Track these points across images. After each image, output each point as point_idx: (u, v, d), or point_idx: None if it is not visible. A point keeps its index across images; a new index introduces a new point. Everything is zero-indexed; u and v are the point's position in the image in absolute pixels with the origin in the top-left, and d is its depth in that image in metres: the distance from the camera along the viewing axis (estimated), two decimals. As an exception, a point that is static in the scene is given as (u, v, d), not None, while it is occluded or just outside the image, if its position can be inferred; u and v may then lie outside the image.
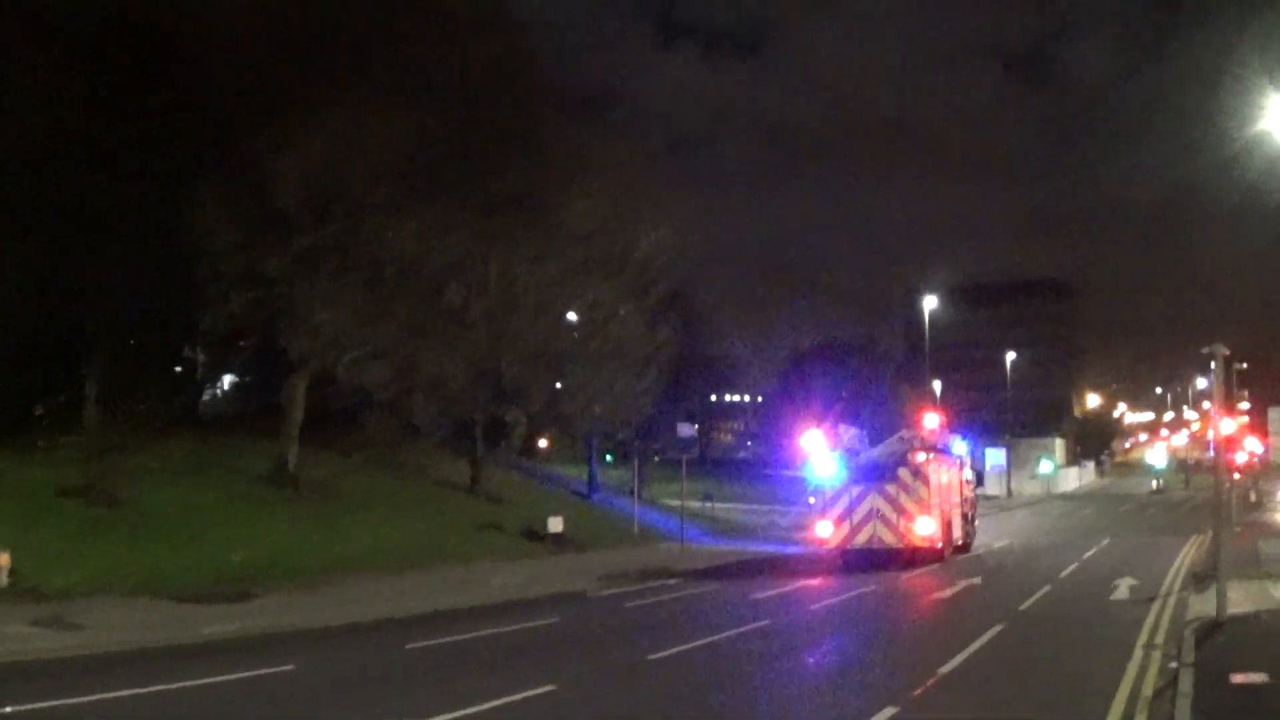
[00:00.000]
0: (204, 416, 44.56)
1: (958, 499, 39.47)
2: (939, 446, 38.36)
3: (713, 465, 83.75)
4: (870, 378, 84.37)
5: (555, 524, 39.74)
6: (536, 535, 39.60)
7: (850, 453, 36.59)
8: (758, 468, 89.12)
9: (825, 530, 35.75)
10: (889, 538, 34.83)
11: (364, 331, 34.50)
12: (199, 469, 33.38)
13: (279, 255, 32.20)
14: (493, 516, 41.01)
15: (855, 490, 35.27)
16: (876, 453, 37.32)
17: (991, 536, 48.09)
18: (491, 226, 36.64)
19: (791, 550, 44.15)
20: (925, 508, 34.87)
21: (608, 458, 61.97)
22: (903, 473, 35.09)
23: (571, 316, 44.30)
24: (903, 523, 34.76)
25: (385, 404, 38.44)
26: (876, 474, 35.39)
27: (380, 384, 36.51)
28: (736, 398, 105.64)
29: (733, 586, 30.65)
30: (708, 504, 55.61)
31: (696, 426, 79.97)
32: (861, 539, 35.08)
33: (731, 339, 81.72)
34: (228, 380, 48.95)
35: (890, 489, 34.96)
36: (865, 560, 34.88)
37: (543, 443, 63.67)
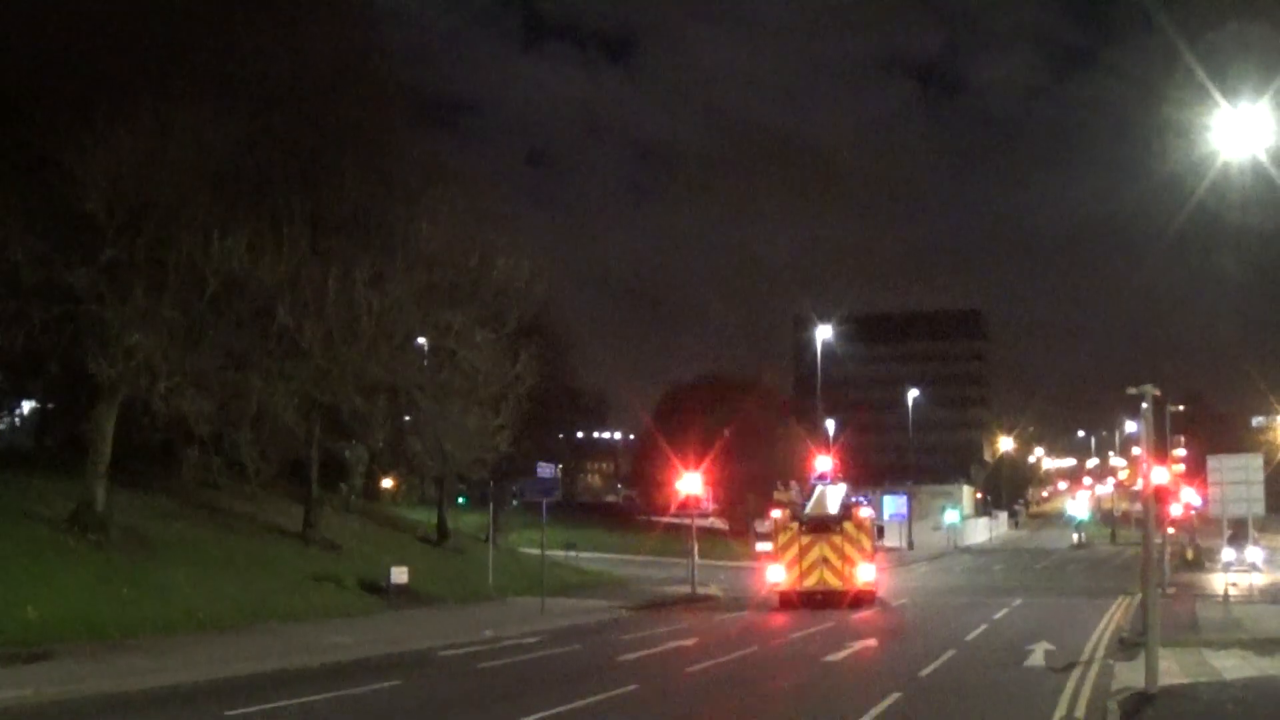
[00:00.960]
0: (-6, 451, 43.60)
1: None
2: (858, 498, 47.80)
3: (579, 510, 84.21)
4: (756, 417, 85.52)
5: (399, 575, 39.74)
6: (379, 588, 39.65)
7: (798, 504, 45.01)
8: (630, 513, 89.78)
9: (778, 575, 44.05)
10: (835, 582, 43.19)
11: (181, 356, 34.27)
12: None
13: (85, 267, 31.89)
14: (329, 567, 40.93)
15: (805, 539, 43.41)
16: (814, 503, 45.12)
17: (889, 593, 49.00)
18: (328, 243, 36.79)
19: (668, 607, 44.81)
20: (867, 556, 43.58)
21: (460, 500, 61.98)
22: (848, 525, 43.53)
23: (422, 342, 44.37)
24: (847, 569, 43.21)
25: (206, 440, 38.05)
26: (823, 525, 43.61)
27: (200, 416, 36.01)
28: (607, 434, 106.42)
29: (599, 646, 30.88)
30: (571, 554, 55.84)
31: (559, 467, 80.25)
32: (810, 583, 43.35)
33: (601, 372, 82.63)
34: (26, 407, 48.04)
35: (836, 539, 43.35)
36: (806, 603, 42.53)
37: (387, 483, 63.48)
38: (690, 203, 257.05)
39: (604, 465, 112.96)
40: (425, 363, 44.84)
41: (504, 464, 50.56)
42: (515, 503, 62.64)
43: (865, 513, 44.54)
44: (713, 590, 53.54)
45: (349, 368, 39.97)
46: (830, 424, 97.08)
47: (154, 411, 34.96)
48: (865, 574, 43.32)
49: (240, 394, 36.69)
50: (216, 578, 34.66)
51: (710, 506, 63.06)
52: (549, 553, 45.81)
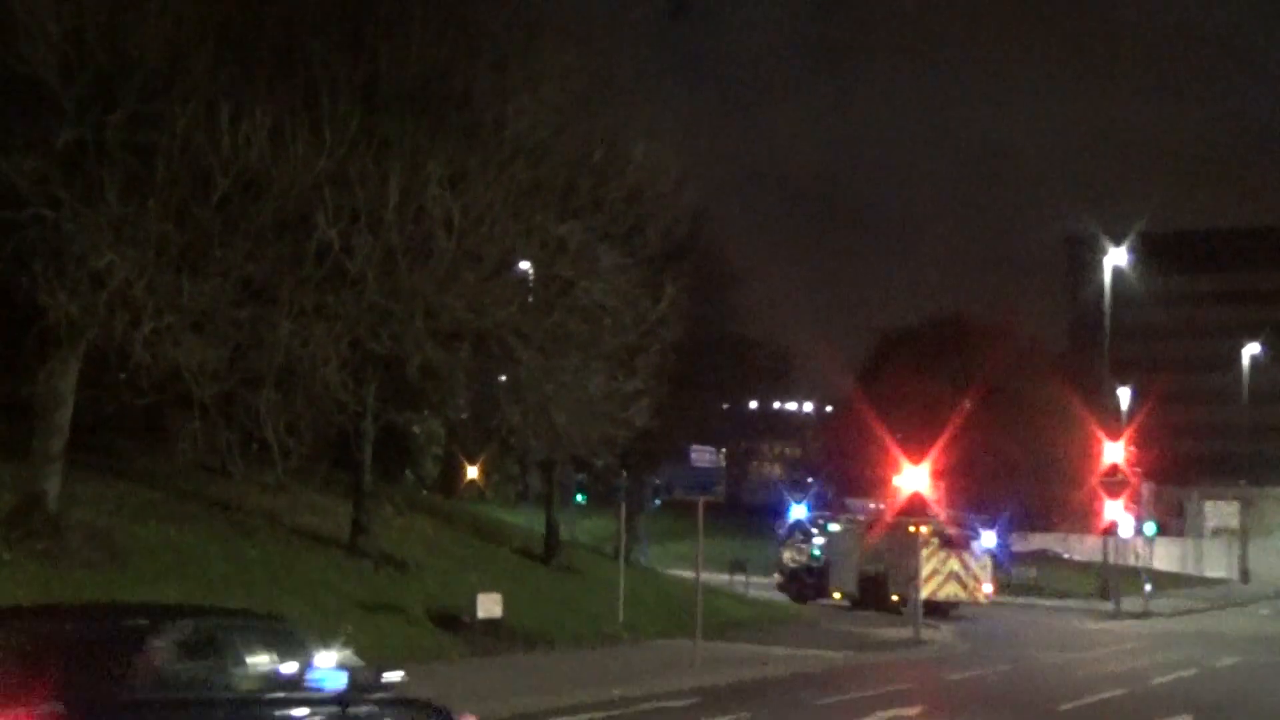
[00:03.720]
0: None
1: None
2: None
3: (749, 514, 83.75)
4: (1007, 380, 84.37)
5: (488, 605, 39.83)
6: (458, 622, 39.80)
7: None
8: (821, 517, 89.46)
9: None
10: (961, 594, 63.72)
11: (175, 285, 34.00)
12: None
13: (30, 154, 31.74)
14: (387, 591, 41.10)
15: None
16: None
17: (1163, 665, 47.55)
18: (386, 125, 36.36)
19: (875, 656, 45.15)
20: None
21: (578, 498, 62.17)
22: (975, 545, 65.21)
23: (524, 267, 44.08)
24: (971, 583, 63.79)
25: (210, 406, 38.02)
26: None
27: (202, 372, 35.80)
28: (790, 406, 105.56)
29: (777, 717, 30.90)
30: (738, 578, 55.76)
31: (722, 452, 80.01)
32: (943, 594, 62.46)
33: (779, 316, 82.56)
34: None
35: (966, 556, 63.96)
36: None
37: (472, 472, 63.78)
38: (901, 71, 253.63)
39: (786, 449, 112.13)
40: (529, 298, 44.65)
41: (641, 446, 50.42)
42: (657, 502, 62.86)
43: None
44: (942, 633, 53.92)
45: (417, 303, 39.57)
46: (1123, 393, 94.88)
47: (134, 364, 34.73)
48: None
49: (261, 340, 36.44)
50: (221, 602, 33.39)
51: (941, 510, 63.72)
52: (706, 576, 45.31)
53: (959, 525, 66.17)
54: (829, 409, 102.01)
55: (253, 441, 41.58)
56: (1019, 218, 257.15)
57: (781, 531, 71.80)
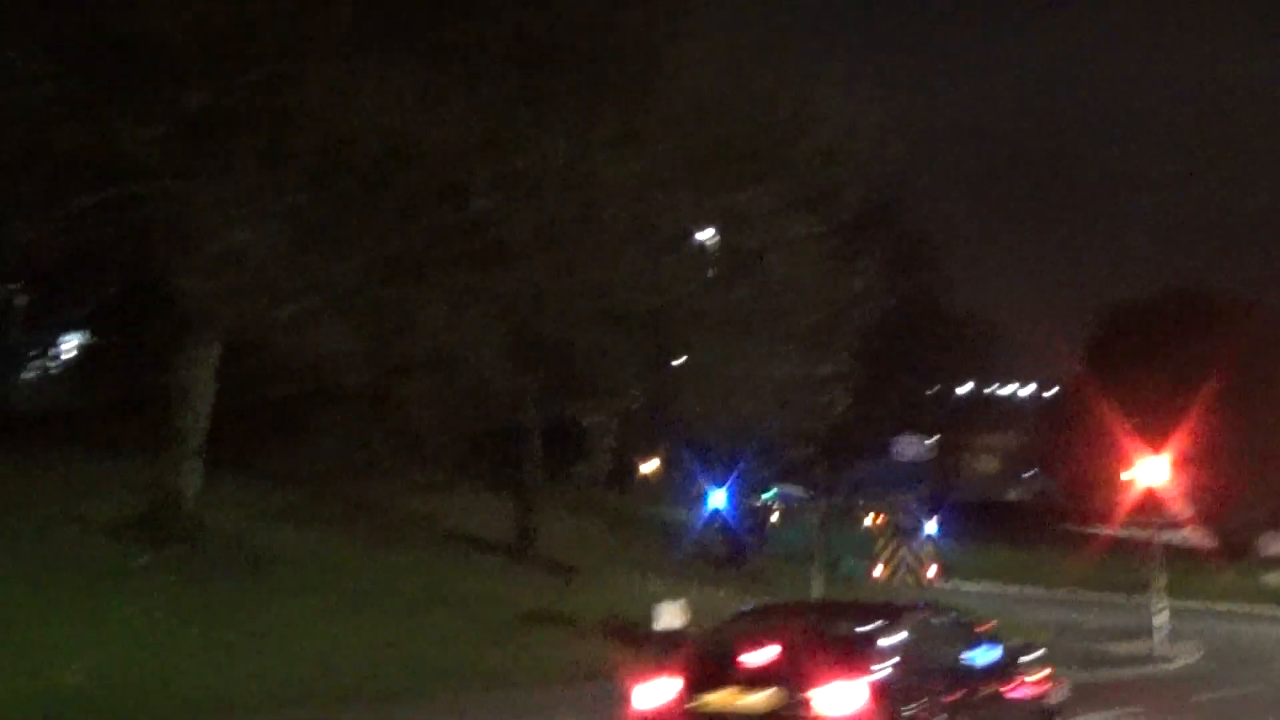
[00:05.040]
0: (21, 412, 45.33)
1: None
2: None
3: (959, 512, 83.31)
4: (1262, 361, 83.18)
5: (670, 616, 39.06)
6: (633, 635, 39.59)
7: None
8: (1043, 518, 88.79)
9: None
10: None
11: (317, 264, 34.26)
12: (3, 512, 33.69)
13: (154, 123, 31.86)
14: (555, 601, 41.43)
15: None
16: None
17: None
18: (543, 83, 36.29)
19: (1110, 673, 45.09)
20: None
21: (766, 495, 62.14)
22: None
23: (703, 238, 44.10)
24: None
25: (356, 397, 38.37)
26: None
27: (347, 359, 36.52)
28: (1005, 391, 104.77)
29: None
30: (947, 585, 55.72)
31: (935, 441, 79.33)
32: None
33: (989, 291, 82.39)
34: (69, 346, 49.74)
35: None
36: None
37: (648, 467, 63.99)
38: (1120, 5, 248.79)
39: (1000, 440, 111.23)
40: (708, 273, 44.67)
41: (837, 438, 50.27)
42: (860, 502, 62.85)
43: None
44: (1186, 652, 52.93)
45: (583, 281, 39.90)
46: None
47: (273, 352, 35.32)
48: None
49: (410, 324, 36.82)
50: (369, 616, 34.91)
51: (1183, 512, 63.09)
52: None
53: (906, 513, 65.92)
54: (1046, 395, 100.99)
55: (400, 435, 42.01)
56: (1265, 175, 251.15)
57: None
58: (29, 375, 48.32)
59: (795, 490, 66.85)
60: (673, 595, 40.53)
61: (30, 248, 34.52)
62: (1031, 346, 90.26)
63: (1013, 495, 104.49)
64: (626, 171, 38.62)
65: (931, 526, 65.67)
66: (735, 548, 55.83)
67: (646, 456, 63.35)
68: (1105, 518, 73.30)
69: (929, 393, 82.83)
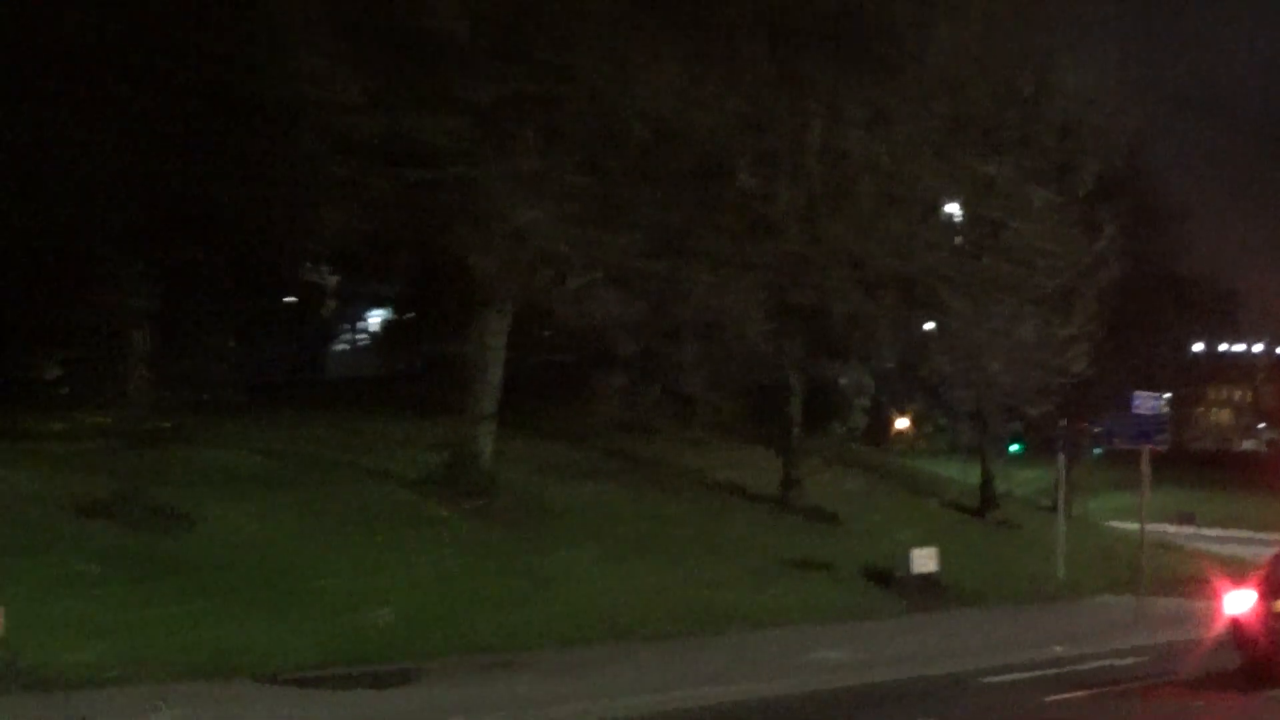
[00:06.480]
0: (334, 380, 46.82)
1: None
2: None
3: (1193, 463, 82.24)
4: None
5: (923, 560, 40.27)
6: (890, 578, 40.29)
7: None
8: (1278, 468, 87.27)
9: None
10: None
11: (597, 239, 34.97)
12: (316, 469, 35.02)
13: (446, 114, 32.61)
14: (816, 548, 41.68)
15: None
16: None
17: None
18: (799, 65, 36.66)
19: None
20: None
21: (1012, 449, 61.84)
22: None
23: (951, 210, 44.41)
24: None
25: (632, 361, 39.28)
26: None
27: (623, 326, 37.68)
28: (1238, 347, 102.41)
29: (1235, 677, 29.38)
30: (1186, 528, 54.87)
31: (1168, 398, 78.74)
32: None
33: (1224, 253, 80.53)
34: (375, 320, 51.21)
35: None
36: None
37: (901, 424, 64.16)
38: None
39: (1235, 394, 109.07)
40: (956, 242, 45.03)
41: (1079, 394, 50.09)
42: (1097, 452, 61.92)
43: None
44: None
45: (840, 251, 40.31)
46: None
47: (557, 321, 36.68)
48: None
49: (679, 293, 37.73)
50: (645, 562, 35.77)
51: None
52: (1151, 527, 44.43)
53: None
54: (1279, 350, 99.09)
55: (671, 396, 42.83)
56: None
57: None
58: (340, 347, 49.59)
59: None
60: (925, 542, 41.38)
61: (339, 232, 35.48)
62: (1266, 305, 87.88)
63: (1247, 445, 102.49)
64: (878, 148, 39.21)
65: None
66: (985, 492, 56.11)
67: (900, 413, 63.55)
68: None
69: (1164, 350, 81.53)
